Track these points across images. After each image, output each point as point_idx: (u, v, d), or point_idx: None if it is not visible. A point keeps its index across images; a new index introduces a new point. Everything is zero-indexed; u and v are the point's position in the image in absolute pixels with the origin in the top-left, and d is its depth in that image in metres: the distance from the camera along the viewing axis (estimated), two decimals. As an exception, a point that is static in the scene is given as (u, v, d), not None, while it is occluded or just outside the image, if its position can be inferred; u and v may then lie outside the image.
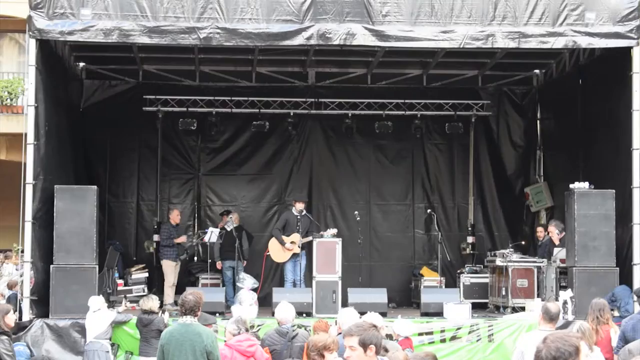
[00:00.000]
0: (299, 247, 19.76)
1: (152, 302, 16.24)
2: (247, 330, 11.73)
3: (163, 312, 16.80)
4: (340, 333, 11.09)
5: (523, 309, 18.53)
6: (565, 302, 17.07)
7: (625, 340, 12.12)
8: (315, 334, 12.68)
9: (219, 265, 21.16)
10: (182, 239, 21.45)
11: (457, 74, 22.84)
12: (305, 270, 19.80)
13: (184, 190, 23.44)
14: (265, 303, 19.06)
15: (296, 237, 19.82)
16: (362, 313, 16.28)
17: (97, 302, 16.28)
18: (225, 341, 12.19)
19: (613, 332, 12.66)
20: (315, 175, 23.46)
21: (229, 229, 21.20)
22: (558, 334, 5.41)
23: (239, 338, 11.03)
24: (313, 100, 22.63)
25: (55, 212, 17.13)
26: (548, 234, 20.25)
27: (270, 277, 21.68)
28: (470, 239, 23.09)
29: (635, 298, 16.43)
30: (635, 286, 17.17)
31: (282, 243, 19.96)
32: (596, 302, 12.97)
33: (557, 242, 19.51)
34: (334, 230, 19.88)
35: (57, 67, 19.09)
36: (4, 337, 12.23)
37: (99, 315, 16.13)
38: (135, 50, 20.17)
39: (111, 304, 18.24)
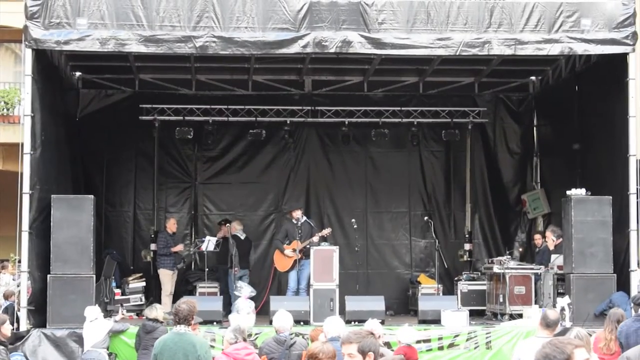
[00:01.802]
0: (298, 253, 19.73)
1: (158, 311, 16.26)
2: (244, 340, 11.70)
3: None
4: (326, 341, 11.11)
5: (521, 315, 18.52)
6: (562, 309, 17.07)
7: (621, 347, 12.09)
8: (311, 342, 12.71)
9: (236, 271, 21.12)
10: (179, 247, 21.47)
11: (453, 81, 22.86)
12: (309, 279, 19.66)
13: (180, 199, 23.42)
14: (263, 311, 19.05)
15: (296, 244, 19.82)
16: (360, 321, 16.41)
17: (93, 312, 16.27)
18: (222, 349, 12.17)
19: None
20: (312, 183, 23.45)
21: (242, 238, 21.38)
22: (554, 340, 5.38)
23: (236, 346, 11.00)
24: (309, 108, 22.62)
25: (52, 221, 17.11)
26: (545, 240, 20.29)
27: (269, 285, 21.62)
28: (467, 246, 23.07)
29: (631, 305, 16.41)
30: (633, 292, 17.16)
31: (282, 252, 19.97)
32: (614, 312, 12.88)
33: (551, 248, 19.55)
34: (328, 230, 19.92)
35: (54, 77, 19.10)
36: (1, 348, 12.23)
37: (96, 325, 16.11)
38: (131, 59, 20.16)
39: (108, 314, 18.22)
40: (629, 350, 9.23)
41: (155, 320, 16.06)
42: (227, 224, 22.01)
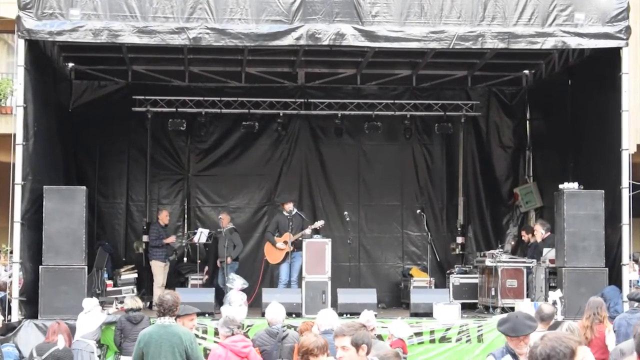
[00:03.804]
0: (290, 245, 19.70)
1: (140, 301, 16.29)
2: (238, 328, 11.70)
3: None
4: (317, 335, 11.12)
5: (512, 309, 18.48)
6: (554, 303, 17.09)
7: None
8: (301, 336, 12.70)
9: (229, 261, 21.12)
10: (171, 239, 21.47)
11: (446, 75, 22.87)
12: (300, 271, 19.64)
13: (173, 191, 23.38)
14: (255, 304, 19.04)
15: (287, 236, 19.79)
16: (352, 314, 16.42)
17: (90, 303, 16.25)
18: (216, 342, 12.17)
19: (607, 332, 12.64)
20: (304, 175, 23.44)
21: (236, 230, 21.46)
22: (557, 334, 5.42)
23: (233, 338, 11.00)
24: (302, 100, 22.63)
25: (44, 212, 17.08)
26: (533, 235, 20.34)
27: (260, 278, 21.60)
28: (459, 240, 23.10)
29: (625, 299, 16.49)
30: (624, 286, 17.25)
31: (274, 244, 19.93)
32: (594, 300, 12.99)
33: (539, 239, 19.60)
34: (321, 222, 19.87)
35: (46, 68, 19.06)
36: (-7, 338, 12.21)
37: (90, 316, 16.09)
38: (124, 50, 20.13)
39: (100, 305, 18.19)
40: (622, 343, 9.27)
41: (140, 309, 16.10)
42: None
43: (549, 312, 10.52)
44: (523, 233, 21.68)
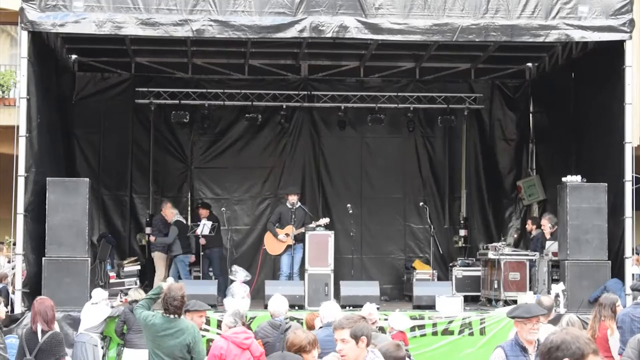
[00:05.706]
0: (292, 238, 19.71)
1: (144, 293, 16.28)
2: (243, 324, 11.73)
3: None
4: (322, 327, 11.16)
5: (515, 302, 18.50)
6: (557, 295, 17.11)
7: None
8: (307, 327, 12.72)
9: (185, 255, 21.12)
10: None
11: (449, 67, 22.87)
12: (302, 264, 19.67)
13: (176, 183, 23.37)
14: (258, 296, 19.06)
15: (290, 228, 19.80)
16: (355, 306, 16.43)
17: (99, 295, 16.24)
18: (220, 334, 12.18)
19: (609, 334, 12.50)
20: (307, 168, 23.42)
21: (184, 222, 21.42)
22: (580, 333, 5.31)
23: (235, 330, 11.02)
24: (305, 93, 22.62)
25: (47, 204, 17.10)
26: (540, 227, 20.28)
27: (259, 269, 21.59)
28: (462, 232, 23.06)
29: (629, 292, 16.48)
30: (627, 279, 17.24)
31: (276, 235, 19.94)
32: (605, 296, 12.89)
33: (548, 236, 19.54)
34: (326, 220, 19.86)
35: (50, 60, 19.07)
36: (-4, 330, 12.19)
37: (96, 308, 16.08)
38: (127, 42, 20.14)
39: (104, 297, 18.22)
40: None
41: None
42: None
43: (548, 304, 10.52)
44: (529, 222, 21.59)
